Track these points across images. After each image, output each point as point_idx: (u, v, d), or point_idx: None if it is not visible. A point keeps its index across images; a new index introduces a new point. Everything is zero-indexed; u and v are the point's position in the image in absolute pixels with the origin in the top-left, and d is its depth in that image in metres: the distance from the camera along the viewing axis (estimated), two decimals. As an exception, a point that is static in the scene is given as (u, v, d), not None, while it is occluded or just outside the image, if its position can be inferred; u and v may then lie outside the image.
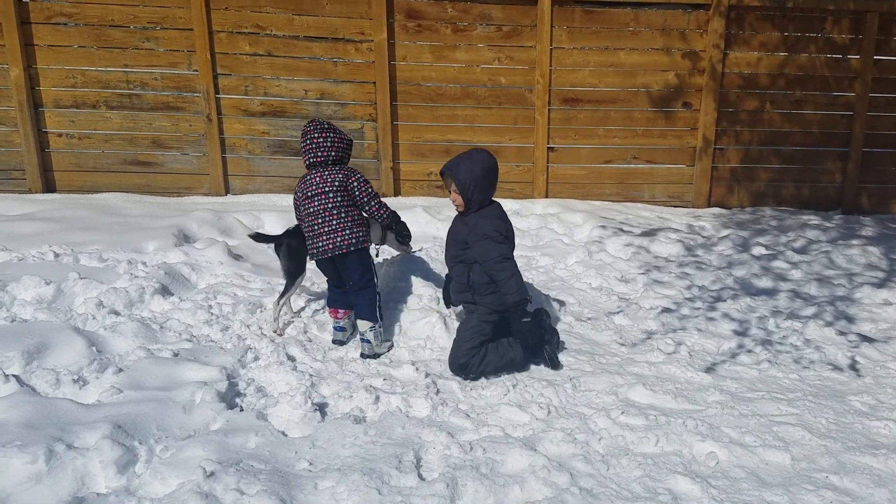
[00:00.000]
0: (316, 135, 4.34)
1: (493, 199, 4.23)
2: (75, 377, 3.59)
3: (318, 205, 4.28)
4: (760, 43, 7.64)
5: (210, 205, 6.95)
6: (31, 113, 7.02)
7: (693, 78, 7.67)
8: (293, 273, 4.59)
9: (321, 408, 3.61)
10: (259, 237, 4.75)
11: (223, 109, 7.29)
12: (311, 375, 3.93)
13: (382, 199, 4.56)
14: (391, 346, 4.42)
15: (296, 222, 4.63)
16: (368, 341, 4.31)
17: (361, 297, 4.36)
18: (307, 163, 4.37)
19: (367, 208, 4.42)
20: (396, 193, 7.59)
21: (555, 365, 4.19)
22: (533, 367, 4.20)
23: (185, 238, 5.99)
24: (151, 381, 3.62)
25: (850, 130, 7.94)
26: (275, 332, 4.46)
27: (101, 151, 7.25)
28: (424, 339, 4.42)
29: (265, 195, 7.38)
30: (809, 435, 3.51)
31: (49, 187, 7.23)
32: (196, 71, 7.14)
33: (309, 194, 4.31)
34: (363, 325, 4.32)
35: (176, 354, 3.96)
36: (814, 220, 7.51)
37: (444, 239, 6.67)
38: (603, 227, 6.69)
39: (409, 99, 7.44)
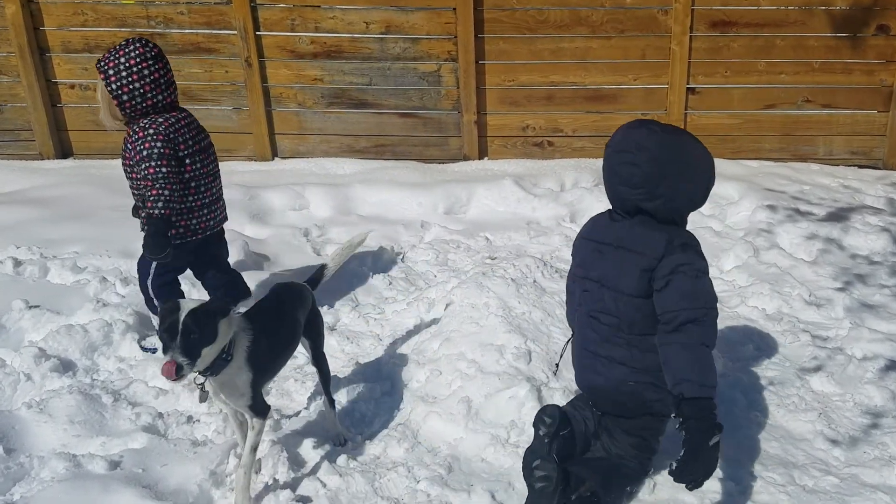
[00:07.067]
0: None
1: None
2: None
3: (216, 161, 3.51)
4: None
5: (248, 175, 5.48)
6: (36, 59, 5.70)
7: (895, -9, 5.49)
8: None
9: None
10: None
11: (265, 51, 5.73)
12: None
13: None
14: None
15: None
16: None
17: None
18: (171, 98, 3.29)
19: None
20: (482, 155, 5.88)
21: None
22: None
23: (200, 229, 4.56)
24: (53, 532, 2.22)
25: None
26: None
27: (123, 106, 5.90)
28: (507, 427, 2.81)
29: (318, 160, 5.84)
30: None
31: (64, 151, 5.97)
32: (229, 0, 5.60)
33: (203, 144, 3.39)
34: None
35: (116, 465, 2.52)
36: None
37: (543, 226, 4.92)
38: (771, 206, 4.77)
39: (500, 29, 5.63)
